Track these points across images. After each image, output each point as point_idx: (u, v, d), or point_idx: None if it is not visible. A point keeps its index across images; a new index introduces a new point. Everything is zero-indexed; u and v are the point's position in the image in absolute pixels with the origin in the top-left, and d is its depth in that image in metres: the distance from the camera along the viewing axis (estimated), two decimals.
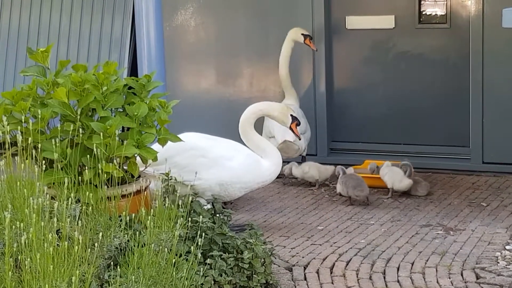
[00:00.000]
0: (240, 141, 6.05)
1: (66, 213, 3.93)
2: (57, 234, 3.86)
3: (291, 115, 5.99)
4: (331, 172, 7.08)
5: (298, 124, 5.97)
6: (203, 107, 8.18)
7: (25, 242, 3.62)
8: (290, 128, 6.02)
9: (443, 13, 7.49)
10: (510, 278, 4.86)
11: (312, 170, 6.99)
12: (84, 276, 3.77)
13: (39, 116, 4.52)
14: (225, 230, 4.75)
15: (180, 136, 5.09)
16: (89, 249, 3.84)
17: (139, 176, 4.93)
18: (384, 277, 5.00)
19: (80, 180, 4.51)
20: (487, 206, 6.42)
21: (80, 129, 4.60)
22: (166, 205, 4.44)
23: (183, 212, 4.51)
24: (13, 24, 8.95)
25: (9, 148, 4.27)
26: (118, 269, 3.93)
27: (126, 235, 4.24)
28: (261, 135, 7.33)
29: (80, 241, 3.70)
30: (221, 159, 5.79)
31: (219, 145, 5.90)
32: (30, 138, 4.27)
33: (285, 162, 6.37)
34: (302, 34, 7.35)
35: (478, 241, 5.57)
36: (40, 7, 8.83)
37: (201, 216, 4.56)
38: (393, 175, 6.71)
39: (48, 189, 4.46)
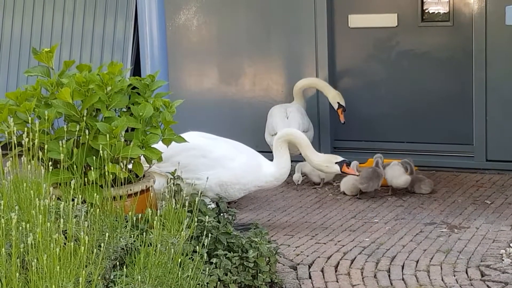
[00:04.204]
0: (241, 142, 6.08)
1: (72, 214, 3.93)
2: (63, 235, 3.86)
3: (336, 162, 6.01)
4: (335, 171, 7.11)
5: (348, 163, 6.01)
6: (205, 106, 8.18)
7: (31, 243, 3.62)
8: (342, 172, 6.04)
9: (446, 11, 7.49)
10: None
11: None
12: (90, 276, 3.77)
13: (45, 117, 4.53)
14: (230, 229, 4.76)
15: (182, 135, 5.10)
16: (95, 250, 3.84)
17: (143, 175, 4.94)
18: (389, 275, 5.00)
19: (85, 180, 4.52)
20: (491, 203, 6.42)
21: (86, 130, 4.60)
22: (173, 205, 4.44)
23: (189, 212, 4.52)
24: (16, 26, 8.95)
25: (15, 148, 4.28)
26: (124, 269, 3.93)
27: (132, 236, 4.25)
28: (264, 133, 7.38)
29: (87, 242, 3.70)
30: (222, 160, 5.80)
31: (221, 145, 5.91)
32: (36, 139, 4.27)
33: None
34: (338, 103, 7.40)
35: (483, 239, 5.57)
36: (42, 9, 8.84)
37: (207, 216, 4.57)
38: (392, 172, 6.73)
39: (53, 190, 4.46)
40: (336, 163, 5.97)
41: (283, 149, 5.89)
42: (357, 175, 6.13)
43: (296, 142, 5.98)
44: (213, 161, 5.77)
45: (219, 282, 4.47)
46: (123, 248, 4.20)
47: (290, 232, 5.91)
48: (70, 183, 4.20)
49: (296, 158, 7.04)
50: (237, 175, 5.79)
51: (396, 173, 6.72)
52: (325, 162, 5.99)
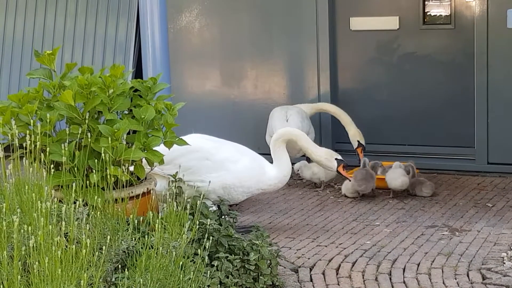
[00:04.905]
0: (243, 144, 6.08)
1: (73, 216, 3.94)
2: (65, 237, 3.87)
3: (336, 158, 6.04)
4: (335, 173, 7.11)
5: (346, 166, 6.05)
6: (207, 109, 8.19)
7: (33, 246, 3.63)
8: (337, 171, 6.05)
9: (448, 14, 7.50)
10: None
11: (320, 171, 7.01)
12: (91, 279, 3.78)
13: (47, 119, 4.53)
14: (231, 232, 4.76)
15: (185, 138, 5.11)
16: (97, 253, 3.85)
17: (145, 178, 4.95)
18: (390, 278, 5.01)
19: (87, 183, 4.53)
20: (493, 206, 6.42)
21: (88, 132, 4.61)
22: (175, 208, 4.45)
23: (190, 215, 4.52)
24: (18, 28, 8.97)
25: (16, 150, 4.28)
26: (126, 272, 3.94)
27: (133, 238, 4.25)
28: (265, 134, 7.39)
29: (88, 245, 3.71)
30: (226, 162, 5.80)
31: (224, 148, 5.91)
32: (38, 141, 4.28)
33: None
34: (358, 141, 7.39)
35: (484, 242, 5.57)
36: (44, 11, 8.85)
37: (208, 219, 4.57)
38: (392, 174, 6.74)
39: (55, 192, 4.47)
40: (335, 159, 6.01)
41: (281, 149, 5.90)
42: (349, 180, 6.21)
43: (296, 139, 6.00)
44: (217, 164, 5.77)
45: (220, 285, 4.47)
46: (124, 251, 4.20)
47: (292, 235, 5.92)
48: (71, 185, 4.20)
49: (296, 160, 7.07)
50: (240, 178, 5.79)
51: (395, 175, 6.72)
52: (326, 155, 6.06)
